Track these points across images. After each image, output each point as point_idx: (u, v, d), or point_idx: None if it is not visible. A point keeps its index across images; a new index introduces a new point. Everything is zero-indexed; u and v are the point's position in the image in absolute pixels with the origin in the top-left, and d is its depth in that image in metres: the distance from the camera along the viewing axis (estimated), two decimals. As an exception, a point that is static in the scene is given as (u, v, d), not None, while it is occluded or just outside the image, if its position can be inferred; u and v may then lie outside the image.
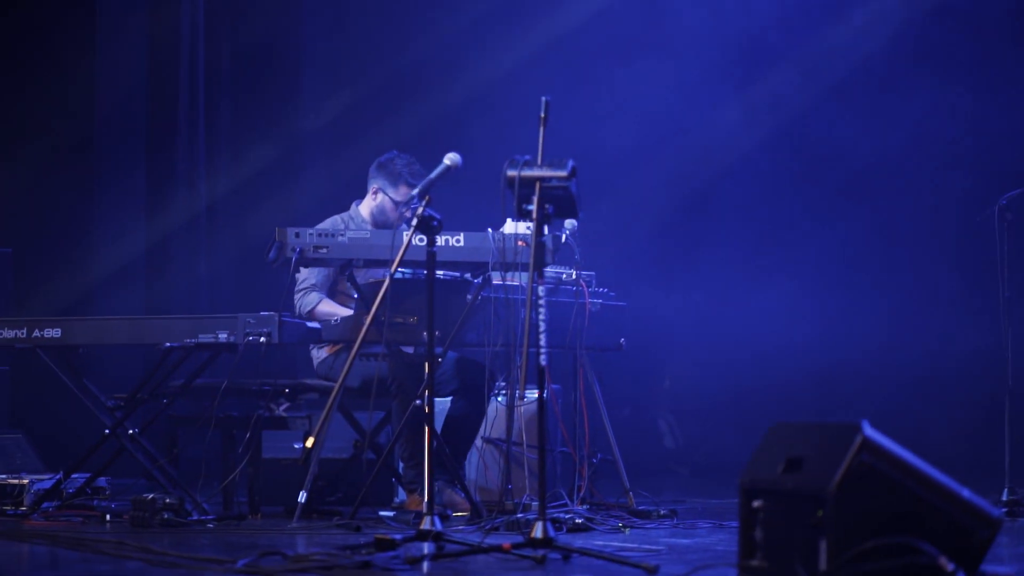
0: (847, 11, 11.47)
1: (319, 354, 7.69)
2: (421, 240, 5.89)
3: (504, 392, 7.42)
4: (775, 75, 11.70)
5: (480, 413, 7.50)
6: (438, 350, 6.51)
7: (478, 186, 8.57)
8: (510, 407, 7.12)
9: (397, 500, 7.73)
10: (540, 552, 5.07)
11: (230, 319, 6.99)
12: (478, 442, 7.63)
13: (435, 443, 5.84)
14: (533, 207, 5.26)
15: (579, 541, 5.77)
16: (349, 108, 12.01)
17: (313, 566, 4.81)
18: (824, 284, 11.79)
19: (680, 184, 11.71)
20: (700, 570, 4.86)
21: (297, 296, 7.71)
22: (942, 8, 11.21)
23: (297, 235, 6.85)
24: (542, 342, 5.23)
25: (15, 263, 9.60)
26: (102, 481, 7.38)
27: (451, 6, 11.96)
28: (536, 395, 5.61)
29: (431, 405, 5.78)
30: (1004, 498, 7.15)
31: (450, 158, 6.25)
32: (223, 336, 7.03)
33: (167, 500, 6.44)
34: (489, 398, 7.48)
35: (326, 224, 7.71)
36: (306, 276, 7.67)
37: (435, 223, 5.82)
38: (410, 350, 7.20)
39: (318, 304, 7.61)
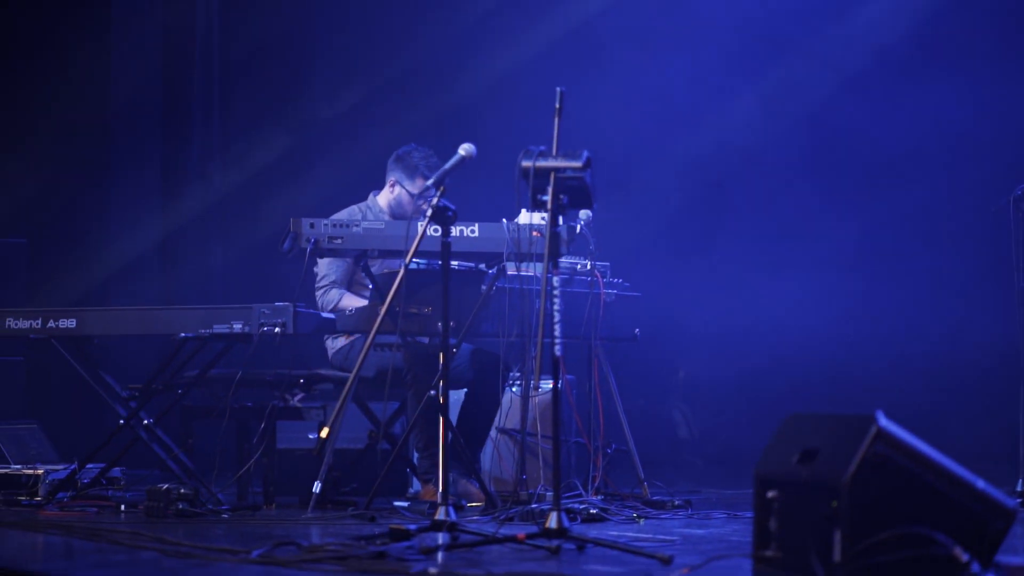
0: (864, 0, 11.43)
1: (334, 344, 7.69)
2: (436, 230, 5.89)
3: (519, 383, 7.42)
4: (791, 65, 11.66)
5: (495, 404, 7.51)
6: (452, 341, 6.51)
7: (493, 177, 8.58)
8: (525, 398, 7.12)
9: (412, 490, 7.74)
10: (555, 542, 5.07)
11: (245, 309, 6.99)
12: (493, 433, 7.63)
13: (450, 434, 5.84)
14: (548, 197, 5.25)
15: (593, 531, 5.77)
16: (364, 98, 11.99)
17: (327, 556, 4.81)
18: (839, 274, 11.75)
19: (696, 174, 11.67)
20: (714, 560, 4.86)
21: (318, 293, 7.73)
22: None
23: (312, 226, 6.85)
24: (557, 333, 5.22)
25: (30, 254, 9.61)
26: (116, 471, 7.40)
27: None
28: (551, 385, 5.61)
29: (446, 396, 5.77)
30: (1019, 488, 7.13)
31: (464, 148, 6.24)
32: (238, 326, 7.04)
33: (182, 491, 6.45)
34: (504, 389, 7.48)
35: (343, 214, 7.72)
36: (326, 272, 7.69)
37: (449, 213, 5.81)
38: (425, 340, 7.21)
39: (340, 299, 7.62)
